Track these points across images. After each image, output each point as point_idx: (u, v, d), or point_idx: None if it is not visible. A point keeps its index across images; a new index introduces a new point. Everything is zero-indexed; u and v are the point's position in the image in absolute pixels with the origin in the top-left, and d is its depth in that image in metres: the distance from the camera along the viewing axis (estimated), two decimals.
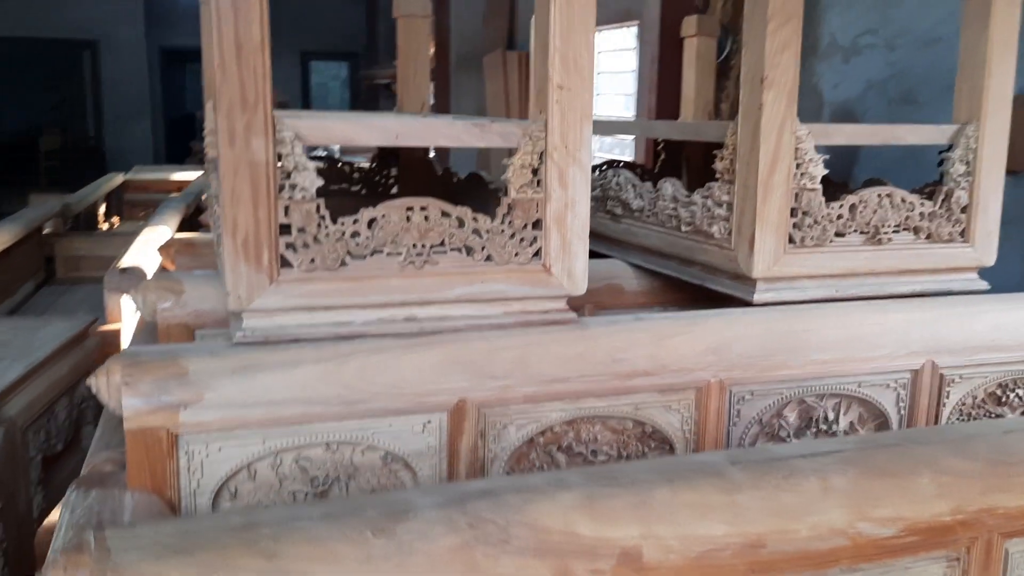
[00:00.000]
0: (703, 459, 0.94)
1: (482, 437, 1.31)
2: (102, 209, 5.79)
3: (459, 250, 1.33)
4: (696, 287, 1.78)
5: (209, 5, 1.15)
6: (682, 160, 2.35)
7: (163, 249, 2.35)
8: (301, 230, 1.25)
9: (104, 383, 1.20)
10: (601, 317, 1.44)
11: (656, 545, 0.79)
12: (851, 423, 1.52)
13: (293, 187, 1.23)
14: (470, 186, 1.93)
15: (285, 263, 1.25)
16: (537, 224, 1.35)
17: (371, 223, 1.28)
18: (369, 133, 1.29)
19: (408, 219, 1.29)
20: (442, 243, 1.32)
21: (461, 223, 1.32)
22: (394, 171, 2.39)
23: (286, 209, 1.24)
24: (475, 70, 6.33)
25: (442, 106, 6.65)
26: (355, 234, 1.28)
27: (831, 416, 1.50)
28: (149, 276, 2.37)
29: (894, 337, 1.51)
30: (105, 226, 5.42)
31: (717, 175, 1.61)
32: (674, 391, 1.39)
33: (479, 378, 1.29)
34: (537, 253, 1.36)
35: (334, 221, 1.26)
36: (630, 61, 4.75)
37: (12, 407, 1.50)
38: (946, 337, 1.53)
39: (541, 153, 1.33)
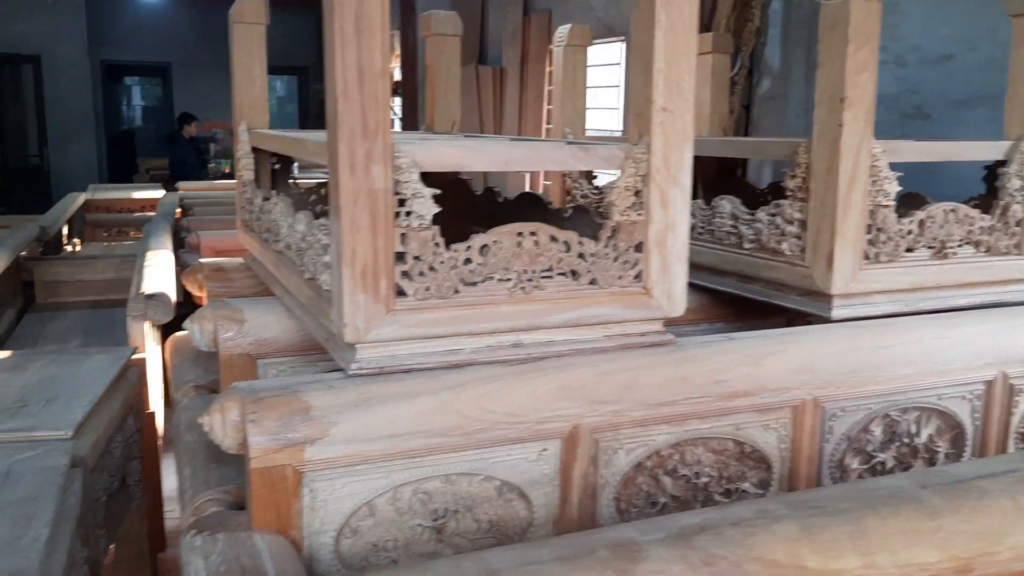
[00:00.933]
0: (890, 484, 0.95)
1: (593, 463, 1.30)
2: (64, 231, 5.60)
3: (565, 274, 1.32)
4: (740, 302, 1.80)
5: (332, 30, 1.13)
6: (697, 177, 2.37)
7: (189, 275, 2.27)
8: (417, 258, 1.22)
9: (219, 421, 1.16)
10: (692, 337, 1.45)
11: (878, 575, 0.79)
12: (930, 435, 1.54)
13: (409, 214, 1.21)
14: (523, 205, 1.92)
15: (399, 292, 1.22)
16: (639, 247, 1.35)
17: (483, 249, 1.26)
18: (482, 159, 1.27)
19: (519, 244, 1.27)
20: (549, 268, 1.31)
21: (568, 247, 1.31)
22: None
23: (402, 237, 1.21)
24: None
25: (411, 121, 6.62)
26: (467, 260, 1.26)
27: (913, 429, 1.52)
28: (171, 302, 2.30)
29: (967, 349, 1.54)
30: (69, 248, 5.24)
31: (788, 192, 1.63)
32: (771, 410, 1.40)
33: (591, 404, 1.28)
34: (638, 276, 1.36)
35: (446, 248, 1.24)
36: (615, 76, 4.82)
37: (82, 447, 1.44)
38: (1014, 348, 1.57)
39: (644, 175, 1.33)
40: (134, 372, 1.85)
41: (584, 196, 2.26)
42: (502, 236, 1.27)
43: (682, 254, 1.37)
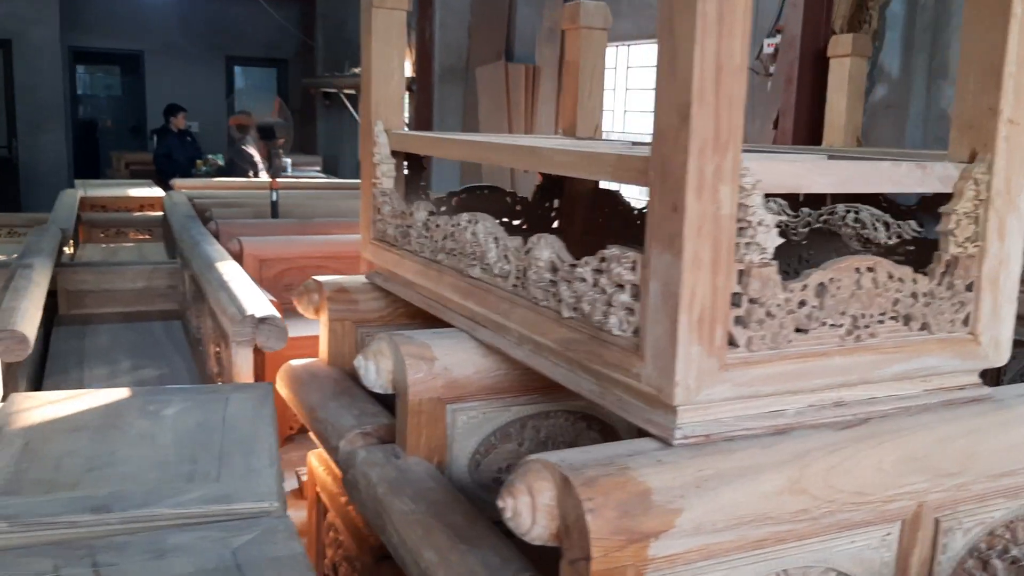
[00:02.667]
0: None
1: (932, 548, 1.08)
2: None
3: (896, 319, 1.09)
4: None
5: (692, 12, 0.88)
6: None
7: (303, 295, 1.99)
8: (754, 301, 0.99)
9: (526, 505, 0.92)
10: (1008, 388, 1.23)
11: None
12: None
13: (749, 246, 0.97)
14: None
15: (730, 342, 0.99)
16: (970, 285, 1.13)
17: (819, 289, 1.03)
18: (823, 178, 1.04)
19: (858, 283, 1.05)
20: (883, 312, 1.08)
21: (901, 285, 1.09)
22: (556, 202, 2.13)
23: (740, 275, 0.98)
24: (460, 83, 6.06)
25: (424, 121, 6.33)
26: (802, 303, 1.02)
27: None
28: (285, 325, 2.01)
29: None
30: (66, 251, 4.85)
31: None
32: None
33: (936, 477, 1.06)
34: (966, 319, 1.14)
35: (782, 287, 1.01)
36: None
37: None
38: None
39: (983, 200, 1.11)
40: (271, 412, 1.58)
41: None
42: (841, 273, 1.04)
43: (1012, 294, 1.16)
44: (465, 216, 1.45)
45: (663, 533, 0.90)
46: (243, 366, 1.93)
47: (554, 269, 1.19)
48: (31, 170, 9.81)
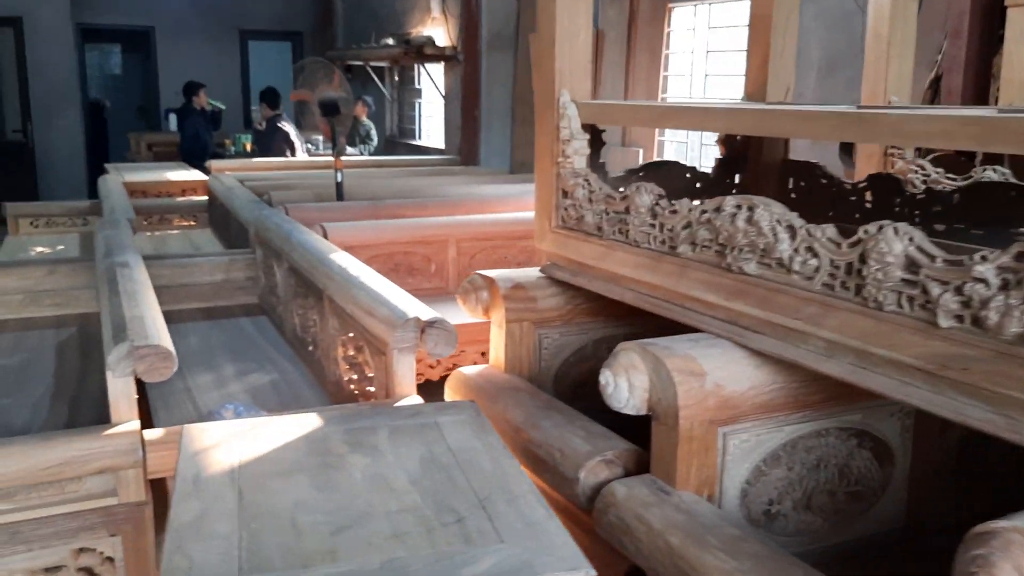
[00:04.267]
0: None
1: None
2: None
3: None
4: None
5: None
6: None
7: (469, 293, 1.76)
8: None
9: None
10: None
11: None
12: None
13: None
14: (883, 192, 1.45)
15: None
16: None
17: None
18: None
19: None
20: None
21: None
22: (737, 177, 1.88)
23: None
24: (509, 51, 5.76)
25: (471, 93, 6.04)
26: None
27: None
28: (454, 329, 1.77)
29: None
30: None
31: None
32: None
33: None
34: None
35: None
36: (739, 39, 4.26)
37: None
38: None
39: None
40: None
41: (928, 181, 1.79)
42: None
43: None
44: (731, 200, 1.20)
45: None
46: (406, 376, 1.70)
47: (913, 266, 0.95)
48: (46, 155, 9.50)
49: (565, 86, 1.58)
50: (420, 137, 8.81)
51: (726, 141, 1.92)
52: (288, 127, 6.86)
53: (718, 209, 1.22)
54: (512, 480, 1.11)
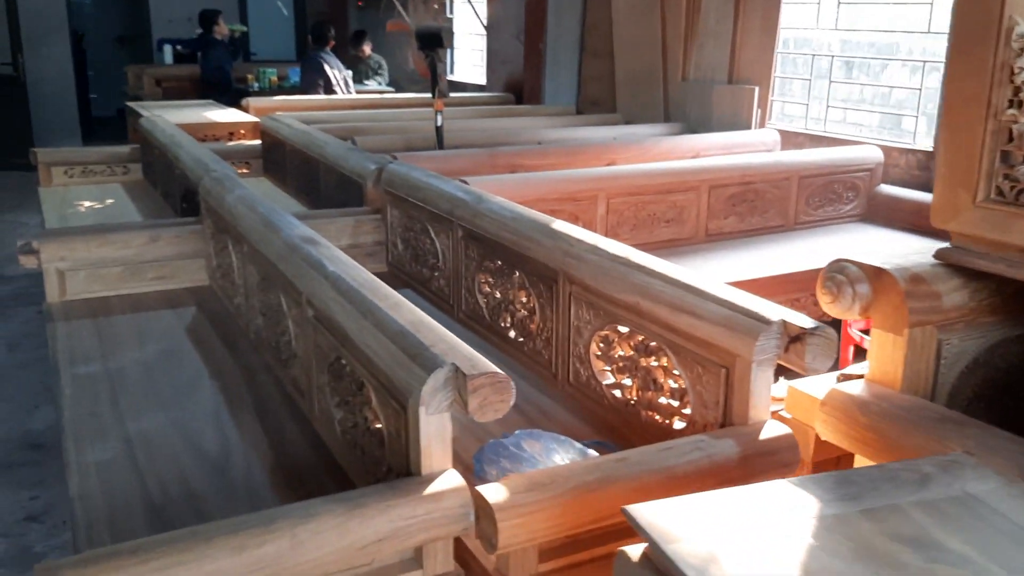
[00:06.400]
0: None
1: None
2: None
3: None
4: None
5: None
6: None
7: (835, 289, 1.36)
8: None
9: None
10: None
11: None
12: None
13: None
14: None
15: None
16: None
17: None
18: None
19: None
20: None
21: None
22: None
23: None
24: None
25: (535, 21, 5.51)
26: None
27: None
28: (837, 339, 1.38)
29: None
30: None
31: None
32: None
33: None
34: None
35: None
36: (919, 18, 3.71)
37: None
38: None
39: None
40: None
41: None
42: None
43: None
44: None
45: None
46: (763, 396, 1.32)
47: None
48: (37, 89, 8.79)
49: (1018, 10, 1.17)
50: (452, 72, 8.24)
51: None
52: (329, 60, 6.27)
53: None
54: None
